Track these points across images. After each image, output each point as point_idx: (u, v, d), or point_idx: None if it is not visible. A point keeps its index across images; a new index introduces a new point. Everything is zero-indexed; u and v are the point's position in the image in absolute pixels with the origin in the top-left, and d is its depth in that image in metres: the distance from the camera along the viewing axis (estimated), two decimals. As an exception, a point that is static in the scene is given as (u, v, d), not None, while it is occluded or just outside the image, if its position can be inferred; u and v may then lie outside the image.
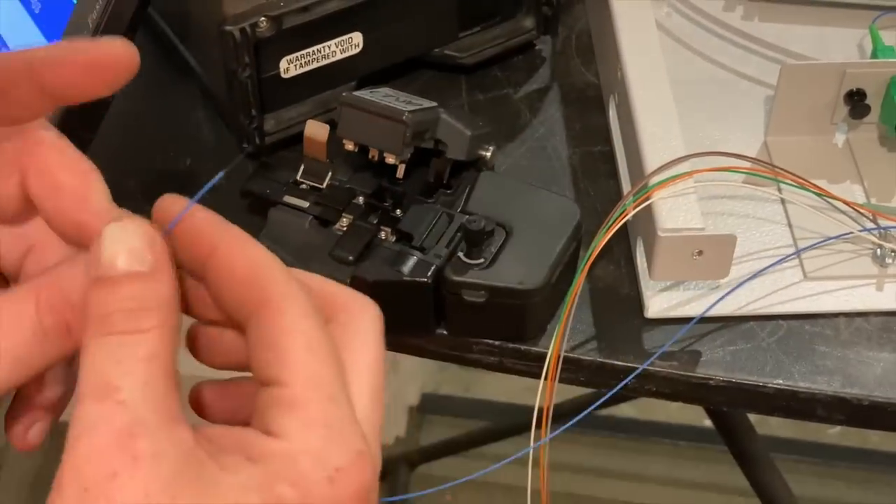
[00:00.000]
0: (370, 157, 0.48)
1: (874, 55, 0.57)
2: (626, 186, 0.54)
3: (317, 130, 0.50)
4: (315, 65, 0.54)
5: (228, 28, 0.50)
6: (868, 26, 0.59)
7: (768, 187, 0.53)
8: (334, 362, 0.32)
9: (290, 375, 0.31)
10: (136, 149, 0.57)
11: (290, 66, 0.53)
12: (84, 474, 0.28)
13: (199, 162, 0.56)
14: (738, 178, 0.53)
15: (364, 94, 0.48)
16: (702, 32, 0.61)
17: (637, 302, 0.51)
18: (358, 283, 0.47)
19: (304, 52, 0.53)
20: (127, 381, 0.29)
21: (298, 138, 0.52)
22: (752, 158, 0.52)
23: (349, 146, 0.48)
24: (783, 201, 0.53)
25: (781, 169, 0.51)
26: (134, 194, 0.54)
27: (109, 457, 0.28)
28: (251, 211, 0.52)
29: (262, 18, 0.50)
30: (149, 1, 0.49)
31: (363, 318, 0.33)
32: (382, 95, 0.49)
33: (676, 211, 0.48)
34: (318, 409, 0.31)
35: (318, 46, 0.54)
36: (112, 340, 0.30)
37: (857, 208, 0.52)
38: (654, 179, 0.49)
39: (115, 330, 0.30)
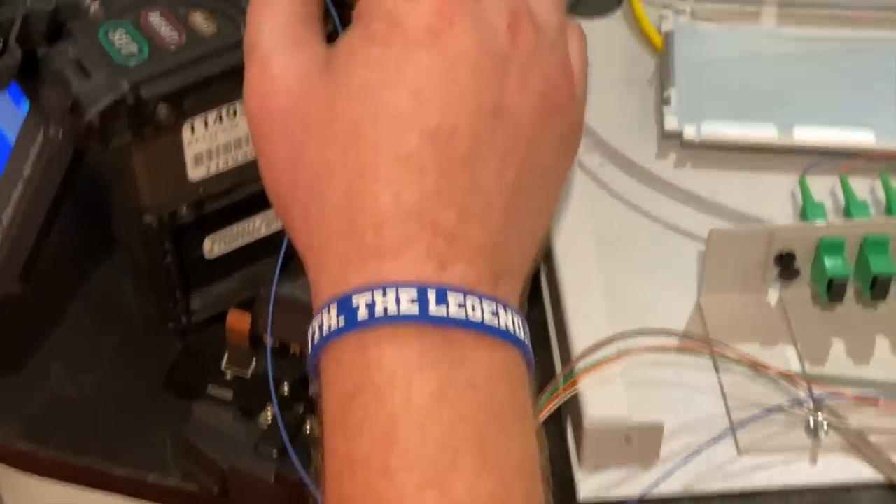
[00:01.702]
0: (292, 351, 0.48)
1: (803, 212, 0.57)
2: (557, 359, 0.53)
3: (238, 321, 0.49)
4: (240, 241, 0.53)
5: (147, 220, 0.49)
6: (802, 172, 0.59)
7: (701, 355, 0.53)
8: None
9: None
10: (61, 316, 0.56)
11: (215, 246, 0.53)
12: (250, 95, 0.37)
13: (126, 336, 0.55)
14: (673, 340, 0.52)
15: (285, 286, 0.48)
16: (634, 183, 0.61)
17: (570, 483, 0.50)
18: (282, 482, 0.47)
19: (227, 230, 0.53)
20: (263, 35, 0.38)
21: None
22: (681, 334, 0.52)
23: (271, 342, 0.48)
24: (717, 369, 0.53)
25: (714, 341, 0.51)
26: (59, 373, 0.54)
27: (257, 77, 0.37)
28: (178, 395, 0.51)
29: (183, 206, 0.50)
30: (80, 160, 0.49)
31: None
32: (304, 283, 0.48)
33: (603, 398, 0.47)
34: None
35: (243, 224, 0.53)
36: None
37: (791, 377, 0.51)
38: (581, 364, 0.48)
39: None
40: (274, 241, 0.55)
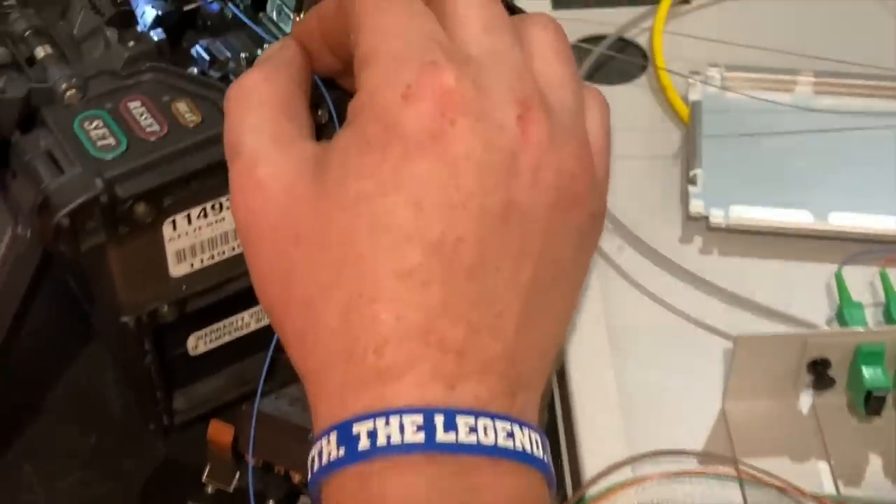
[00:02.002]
0: (276, 471, 0.44)
1: (839, 312, 0.53)
2: (566, 467, 0.49)
3: (220, 433, 0.45)
4: (227, 338, 0.49)
5: (124, 319, 0.45)
6: (838, 263, 0.55)
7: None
8: (410, 10, 0.34)
9: (361, 33, 0.34)
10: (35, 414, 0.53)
11: (200, 343, 0.49)
12: (235, 207, 0.34)
13: (104, 435, 0.52)
14: (692, 461, 0.48)
15: (269, 402, 0.44)
16: (655, 270, 0.56)
17: None
18: None
19: (214, 327, 0.49)
20: (244, 136, 0.35)
21: (214, 413, 0.48)
22: (702, 454, 0.48)
23: (253, 461, 0.44)
24: (742, 489, 0.48)
25: (740, 461, 0.47)
26: (29, 477, 0.50)
27: (242, 188, 0.34)
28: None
29: (164, 305, 0.46)
30: (51, 259, 0.45)
31: None
32: (292, 396, 0.44)
33: (616, 531, 0.43)
34: (385, 47, 0.33)
35: (230, 319, 0.49)
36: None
37: (823, 502, 0.47)
38: (593, 490, 0.44)
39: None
40: (264, 335, 0.51)
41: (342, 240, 0.32)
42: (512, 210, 0.32)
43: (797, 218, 0.57)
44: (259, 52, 0.45)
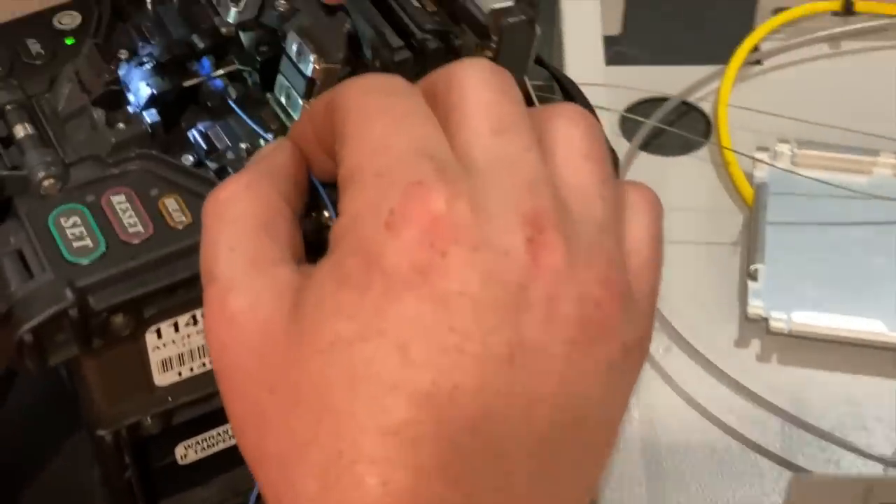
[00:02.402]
0: None
1: (913, 448, 0.47)
2: None
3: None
4: (221, 446, 0.45)
5: (101, 433, 0.40)
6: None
7: None
8: (402, 114, 0.29)
9: (344, 146, 0.29)
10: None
11: (189, 452, 0.44)
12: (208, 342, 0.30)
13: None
14: None
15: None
16: (706, 378, 0.51)
17: None
18: None
19: (204, 435, 0.44)
20: (219, 259, 0.30)
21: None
22: None
23: None
24: None
25: None
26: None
27: (215, 319, 0.29)
28: None
29: (147, 417, 0.41)
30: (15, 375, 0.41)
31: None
32: None
33: None
34: (368, 164, 0.28)
35: (224, 427, 0.44)
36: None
37: None
38: None
39: None
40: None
41: (318, 390, 0.27)
42: (520, 350, 0.27)
43: (869, 327, 0.51)
44: (262, 142, 0.40)
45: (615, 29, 0.62)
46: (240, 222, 0.31)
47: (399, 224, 0.27)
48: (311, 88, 0.39)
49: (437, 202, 0.27)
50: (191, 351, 0.40)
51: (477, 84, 0.30)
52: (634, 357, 0.30)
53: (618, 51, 0.61)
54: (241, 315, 0.29)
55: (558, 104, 0.32)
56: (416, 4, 0.41)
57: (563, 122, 0.30)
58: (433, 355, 0.27)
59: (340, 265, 0.28)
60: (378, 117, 0.29)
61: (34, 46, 0.43)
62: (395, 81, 0.31)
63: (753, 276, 0.52)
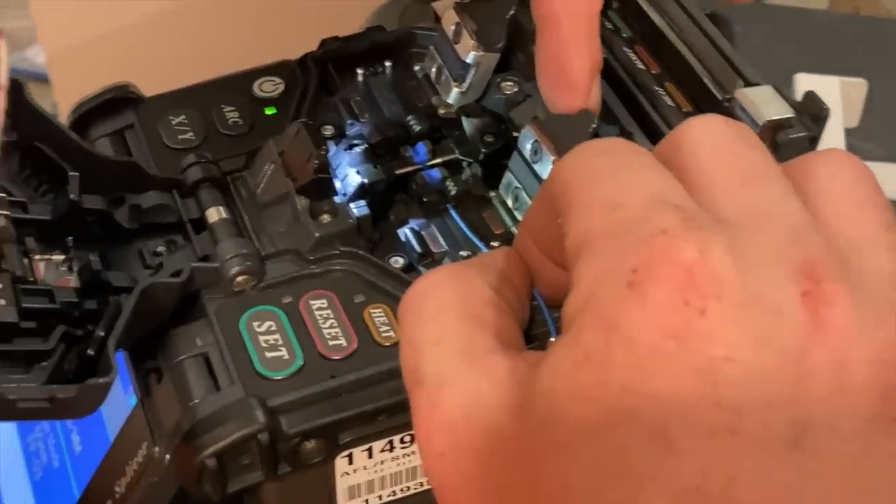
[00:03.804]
0: None
1: None
2: None
3: None
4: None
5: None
6: None
7: None
8: (629, 167, 0.24)
9: (569, 214, 0.25)
10: None
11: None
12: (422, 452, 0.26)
13: None
14: None
15: None
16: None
17: None
18: None
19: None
20: (425, 357, 0.26)
21: None
22: None
23: None
24: None
25: None
26: None
27: (428, 429, 0.25)
28: None
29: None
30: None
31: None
32: None
33: None
34: (599, 225, 0.24)
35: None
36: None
37: None
38: None
39: None
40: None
41: (560, 493, 0.23)
42: (807, 432, 0.22)
43: None
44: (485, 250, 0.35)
45: (853, 122, 0.56)
46: (445, 314, 0.26)
47: (645, 282, 0.22)
48: (544, 194, 0.34)
49: (689, 251, 0.22)
50: (382, 478, 0.35)
51: (713, 137, 0.25)
52: None
53: (851, 143, 0.55)
54: (457, 416, 0.25)
55: (815, 151, 0.27)
56: (670, 104, 0.35)
57: (824, 168, 0.25)
58: (699, 442, 0.22)
59: (576, 342, 0.23)
60: (605, 176, 0.24)
61: (231, 114, 0.39)
62: (618, 141, 0.26)
63: None
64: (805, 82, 0.53)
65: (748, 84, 0.35)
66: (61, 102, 0.74)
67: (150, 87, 0.40)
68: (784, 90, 0.34)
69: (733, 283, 0.22)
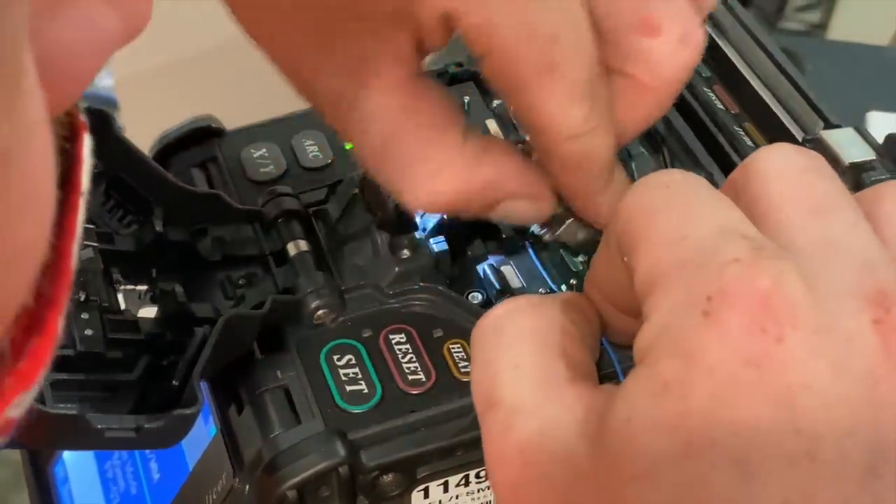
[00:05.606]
0: None
1: None
2: None
3: None
4: None
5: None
6: None
7: None
8: (695, 201, 0.25)
9: (636, 253, 0.25)
10: None
11: None
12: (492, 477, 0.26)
13: None
14: None
15: None
16: None
17: None
18: None
19: None
20: (502, 382, 0.26)
21: None
22: None
23: None
24: None
25: None
26: None
27: (501, 456, 0.25)
28: None
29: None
30: None
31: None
32: None
33: None
34: (667, 258, 0.24)
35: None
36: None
37: None
38: None
39: None
40: None
41: None
42: (882, 459, 0.22)
43: None
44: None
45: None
46: (524, 340, 0.26)
47: (721, 310, 0.23)
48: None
49: (764, 279, 0.23)
50: (457, 511, 0.36)
51: (784, 166, 0.25)
52: None
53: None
54: (533, 444, 0.25)
55: (883, 184, 0.27)
56: (750, 144, 0.35)
57: (894, 198, 0.25)
58: (780, 468, 0.22)
59: (653, 372, 0.23)
60: (670, 209, 0.25)
61: (311, 148, 0.39)
62: (677, 172, 0.26)
63: None
64: (878, 120, 0.53)
65: (828, 125, 0.35)
66: (127, 127, 0.75)
67: (225, 119, 0.40)
68: (864, 131, 0.34)
69: (807, 310, 0.23)
